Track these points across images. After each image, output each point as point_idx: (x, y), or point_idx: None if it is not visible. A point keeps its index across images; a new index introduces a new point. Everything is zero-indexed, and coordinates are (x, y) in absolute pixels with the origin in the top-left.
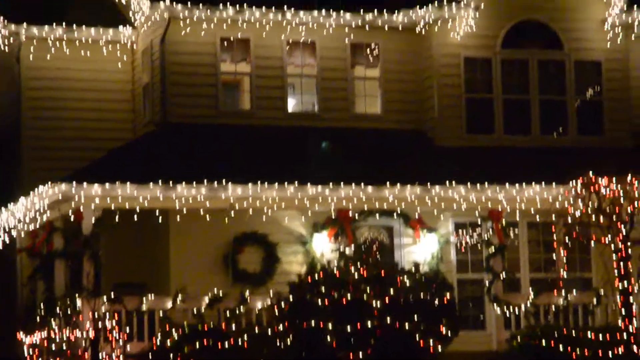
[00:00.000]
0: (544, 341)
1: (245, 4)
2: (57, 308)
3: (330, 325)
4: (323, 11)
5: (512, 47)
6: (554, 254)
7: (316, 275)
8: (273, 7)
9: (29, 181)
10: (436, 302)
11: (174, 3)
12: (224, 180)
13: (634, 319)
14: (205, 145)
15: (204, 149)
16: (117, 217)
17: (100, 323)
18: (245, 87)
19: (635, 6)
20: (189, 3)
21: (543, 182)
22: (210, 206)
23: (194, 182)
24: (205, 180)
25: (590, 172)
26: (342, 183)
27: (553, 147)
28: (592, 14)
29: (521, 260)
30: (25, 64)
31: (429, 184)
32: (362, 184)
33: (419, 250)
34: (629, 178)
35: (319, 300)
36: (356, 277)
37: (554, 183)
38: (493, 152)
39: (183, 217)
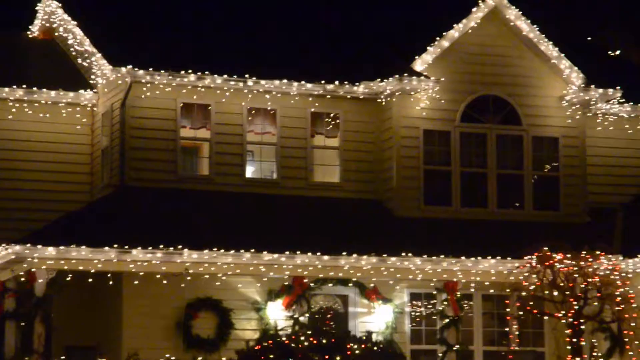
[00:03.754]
0: None
1: (207, 71)
2: None
3: None
4: (284, 80)
5: (471, 121)
6: (507, 327)
7: (264, 344)
8: (235, 75)
9: None
10: None
11: (136, 68)
12: (179, 245)
13: None
14: (162, 209)
15: (161, 213)
16: (70, 279)
17: None
18: (205, 152)
19: (592, 85)
20: (150, 68)
21: (498, 256)
22: (165, 271)
23: (150, 247)
24: (160, 245)
25: (545, 247)
26: (298, 251)
27: (509, 221)
28: (550, 91)
29: (475, 333)
30: None
31: (385, 254)
32: (318, 252)
33: (374, 320)
34: (583, 254)
35: None
36: (306, 344)
37: (509, 257)
38: (450, 224)
39: (138, 281)
